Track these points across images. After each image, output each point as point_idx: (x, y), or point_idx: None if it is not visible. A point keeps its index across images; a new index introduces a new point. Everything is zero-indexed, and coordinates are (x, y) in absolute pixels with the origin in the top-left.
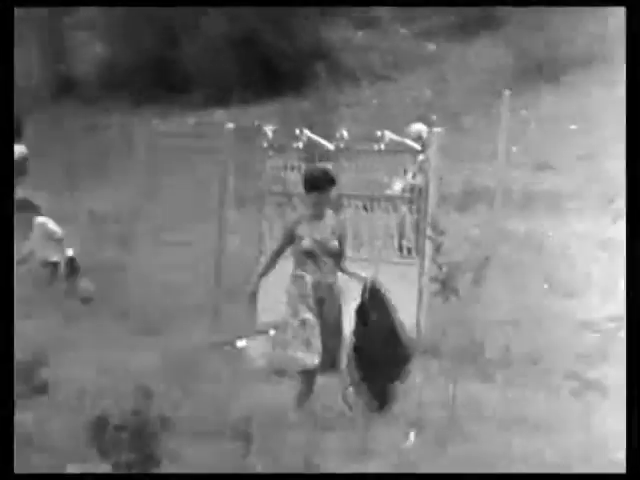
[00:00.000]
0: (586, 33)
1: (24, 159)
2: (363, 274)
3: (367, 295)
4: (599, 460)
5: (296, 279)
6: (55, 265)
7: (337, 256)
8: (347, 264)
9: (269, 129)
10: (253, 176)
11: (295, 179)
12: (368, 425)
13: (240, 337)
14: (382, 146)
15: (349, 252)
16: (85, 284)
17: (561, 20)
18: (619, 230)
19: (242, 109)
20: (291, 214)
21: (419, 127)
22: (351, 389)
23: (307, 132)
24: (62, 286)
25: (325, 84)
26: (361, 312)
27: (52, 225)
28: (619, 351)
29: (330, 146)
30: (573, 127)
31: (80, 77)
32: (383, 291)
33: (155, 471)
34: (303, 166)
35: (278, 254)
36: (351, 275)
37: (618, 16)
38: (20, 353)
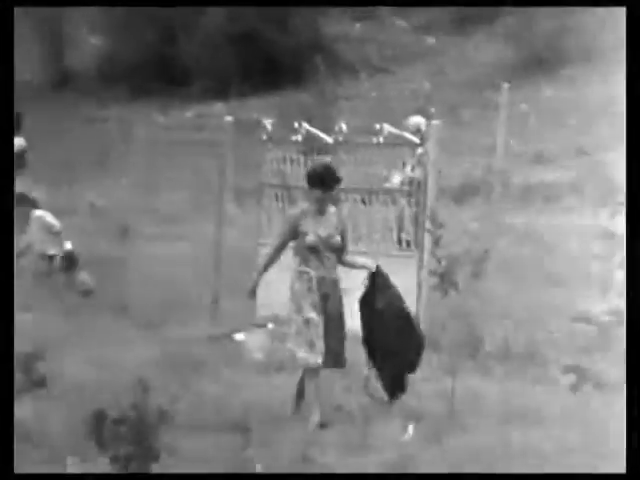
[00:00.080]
0: (585, 27)
1: (23, 151)
2: (369, 262)
3: (375, 281)
4: (597, 453)
5: (301, 275)
6: (53, 258)
7: (340, 251)
8: (349, 257)
9: (268, 122)
10: (252, 169)
11: (294, 172)
12: (367, 419)
13: (239, 330)
14: (381, 139)
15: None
16: (83, 277)
17: (559, 14)
18: (617, 224)
19: (241, 102)
20: (290, 207)
21: (417, 120)
22: (373, 379)
23: (306, 125)
24: (61, 279)
25: (324, 77)
26: (365, 301)
27: (50, 218)
28: (617, 344)
29: (329, 139)
30: (572, 121)
31: (79, 70)
32: (388, 277)
33: (154, 464)
34: (302, 159)
35: (280, 249)
36: (356, 266)
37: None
38: (19, 346)
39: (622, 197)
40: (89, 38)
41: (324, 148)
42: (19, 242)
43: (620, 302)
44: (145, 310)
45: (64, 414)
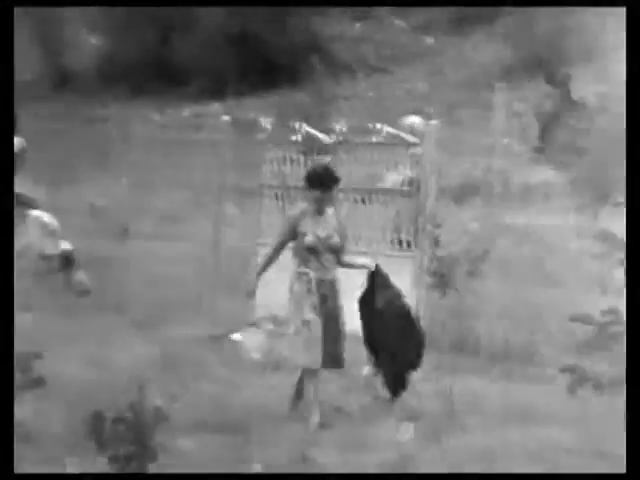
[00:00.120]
0: (582, 27)
1: (22, 151)
2: (368, 261)
3: (374, 280)
4: (595, 453)
5: (300, 277)
6: (52, 258)
7: (338, 252)
8: (348, 258)
9: (267, 122)
10: (251, 169)
11: (293, 172)
12: (366, 419)
13: (237, 330)
14: (379, 139)
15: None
16: (81, 277)
17: (557, 14)
18: (616, 224)
19: (238, 102)
20: (290, 207)
21: (414, 120)
22: (375, 379)
23: (304, 125)
24: (59, 279)
25: (321, 77)
26: (365, 300)
27: (48, 218)
28: (615, 344)
29: (327, 139)
30: (571, 121)
31: (78, 70)
32: (388, 277)
33: (151, 464)
34: (302, 159)
35: (279, 250)
36: (355, 266)
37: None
38: (17, 346)
39: (621, 197)
40: (88, 38)
41: (322, 148)
42: (17, 242)
43: (618, 302)
44: (143, 310)
45: (62, 414)
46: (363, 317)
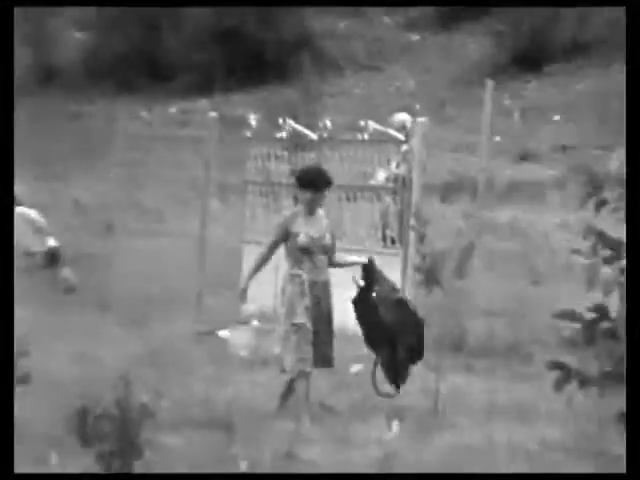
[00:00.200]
0: (570, 24)
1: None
2: (359, 258)
3: (370, 275)
4: (580, 450)
5: (293, 278)
6: (38, 255)
7: (329, 252)
8: (338, 257)
9: (253, 118)
10: (236, 165)
11: (278, 169)
12: (352, 416)
13: (223, 327)
14: (366, 136)
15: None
16: (66, 274)
17: (544, 11)
18: (602, 220)
19: (225, 98)
20: (274, 203)
21: (403, 117)
22: (378, 373)
23: (291, 122)
24: (44, 276)
25: (309, 73)
26: (360, 299)
27: (33, 215)
28: (601, 341)
29: (314, 136)
30: (556, 117)
31: (64, 66)
32: (381, 270)
33: (137, 461)
34: (287, 155)
35: (272, 250)
36: (346, 264)
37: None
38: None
39: (606, 193)
40: (74, 34)
41: (309, 145)
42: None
43: (605, 298)
44: (129, 306)
45: (47, 410)
46: (360, 316)
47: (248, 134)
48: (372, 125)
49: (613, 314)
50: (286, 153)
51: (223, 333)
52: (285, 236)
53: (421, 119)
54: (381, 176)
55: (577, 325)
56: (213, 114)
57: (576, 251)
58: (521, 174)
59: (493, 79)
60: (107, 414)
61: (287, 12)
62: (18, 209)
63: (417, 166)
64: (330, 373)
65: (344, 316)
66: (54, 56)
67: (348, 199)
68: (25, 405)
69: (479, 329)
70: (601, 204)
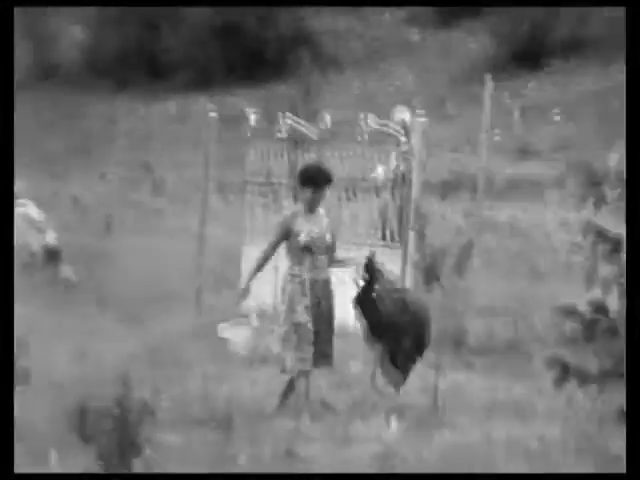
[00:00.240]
0: (569, 23)
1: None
2: (359, 255)
3: (371, 271)
4: (579, 448)
5: (293, 277)
6: (37, 252)
7: (330, 250)
8: (338, 256)
9: (252, 113)
10: (236, 163)
11: (278, 166)
12: (351, 413)
13: (222, 322)
14: (365, 132)
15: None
16: (66, 271)
17: (544, 10)
18: (600, 217)
19: (224, 95)
20: (274, 202)
21: (403, 113)
22: (379, 374)
23: (290, 119)
24: (43, 273)
25: (308, 71)
26: (362, 298)
27: (33, 211)
28: (600, 338)
29: (313, 133)
30: (556, 115)
31: (63, 63)
32: (382, 266)
33: (136, 459)
34: (286, 153)
35: (273, 249)
36: (346, 263)
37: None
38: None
39: (605, 191)
40: (73, 31)
41: (308, 142)
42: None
43: (604, 295)
44: (128, 304)
45: (47, 408)
46: (363, 312)
47: (247, 132)
48: (372, 122)
49: (612, 312)
50: (285, 151)
51: (223, 328)
52: (286, 235)
53: (421, 116)
54: (380, 173)
55: (576, 323)
56: (212, 112)
57: (575, 249)
58: (520, 172)
59: (493, 77)
60: (107, 412)
61: (286, 10)
62: (17, 207)
63: (417, 164)
64: (330, 371)
65: (344, 314)
66: (53, 53)
67: (347, 196)
68: (25, 403)
69: (478, 327)
70: (600, 202)
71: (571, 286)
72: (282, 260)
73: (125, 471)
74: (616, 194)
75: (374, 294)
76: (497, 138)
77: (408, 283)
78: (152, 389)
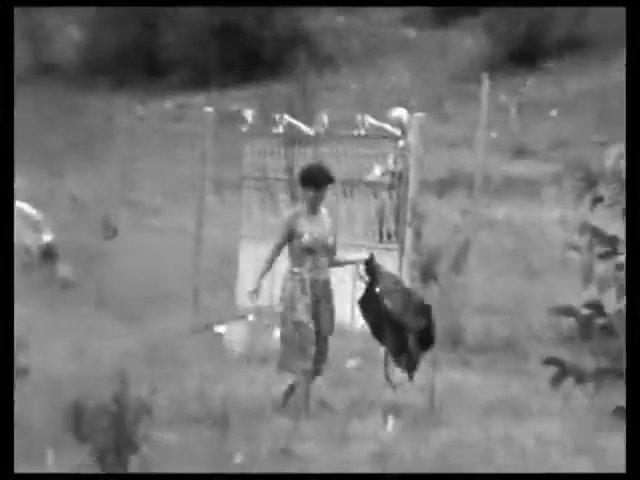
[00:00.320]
0: (566, 20)
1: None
2: (359, 256)
3: (372, 271)
4: (576, 446)
5: (294, 276)
6: (34, 250)
7: (331, 252)
8: (339, 256)
9: (248, 113)
10: (233, 161)
11: (275, 164)
12: (348, 412)
13: (220, 323)
14: (362, 131)
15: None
16: (64, 269)
17: (542, 8)
18: (597, 215)
19: (221, 93)
20: (270, 200)
21: (400, 112)
22: (393, 366)
23: (287, 117)
24: (41, 271)
25: (305, 69)
26: (366, 299)
27: (29, 210)
28: (597, 337)
29: (310, 131)
30: (553, 113)
31: (61, 61)
32: (382, 266)
33: (133, 456)
34: (283, 151)
35: (280, 249)
36: (347, 263)
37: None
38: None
39: (602, 189)
40: (70, 29)
41: (305, 140)
42: None
43: (601, 294)
44: (125, 303)
45: (44, 406)
46: (368, 313)
47: (244, 130)
48: (369, 120)
49: (609, 310)
50: (282, 149)
51: (219, 328)
52: (290, 236)
53: (418, 114)
54: (378, 172)
55: (573, 321)
56: (209, 110)
57: (572, 247)
58: (517, 170)
59: (490, 76)
60: (104, 410)
61: (283, 9)
62: (15, 205)
63: (414, 162)
64: (327, 370)
65: (343, 313)
66: (51, 51)
67: (345, 195)
68: (22, 401)
69: (475, 325)
70: (597, 200)
71: (567, 284)
72: (279, 260)
73: (122, 469)
74: (613, 192)
75: (379, 293)
76: (494, 135)
77: (405, 282)
78: (149, 387)
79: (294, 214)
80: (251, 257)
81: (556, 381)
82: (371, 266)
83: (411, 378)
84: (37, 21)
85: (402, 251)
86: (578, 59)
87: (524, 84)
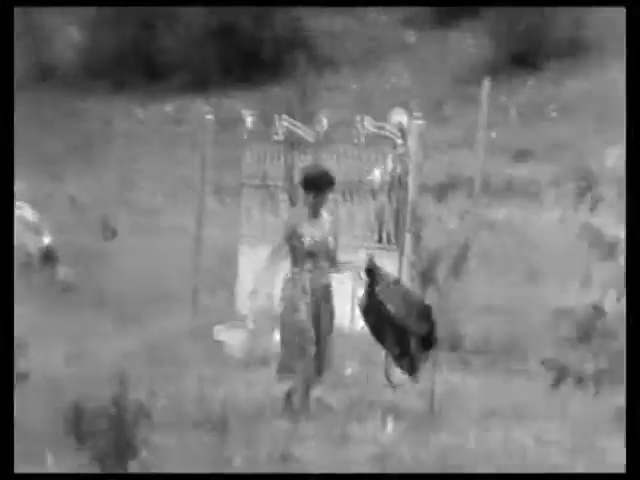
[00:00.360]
0: (566, 23)
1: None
2: (359, 259)
3: (372, 274)
4: (576, 448)
5: (294, 279)
6: (34, 253)
7: (332, 255)
8: (339, 259)
9: (248, 115)
10: (232, 164)
11: (274, 168)
12: (347, 414)
13: (218, 325)
14: (362, 135)
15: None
16: (63, 271)
17: (541, 10)
18: (597, 218)
19: (221, 97)
20: (270, 203)
21: (400, 115)
22: (393, 366)
23: (286, 121)
24: (40, 273)
25: (304, 72)
26: (367, 302)
27: (29, 212)
28: (597, 339)
29: (309, 134)
30: (553, 114)
31: (60, 64)
32: (382, 269)
33: (132, 460)
34: (282, 155)
35: (282, 250)
36: (347, 266)
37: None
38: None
39: (601, 192)
40: (70, 31)
41: (305, 144)
42: None
43: (601, 297)
44: (125, 305)
45: (44, 408)
46: (369, 316)
47: (244, 134)
48: (368, 123)
49: (608, 312)
50: (282, 153)
51: (219, 330)
52: (291, 238)
53: (418, 117)
54: (377, 175)
55: (573, 323)
56: (209, 116)
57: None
58: (517, 172)
59: (490, 77)
60: (103, 412)
61: (282, 10)
62: (15, 207)
63: (413, 166)
64: (327, 372)
65: (342, 314)
66: (50, 54)
67: (344, 198)
68: (21, 403)
69: (475, 328)
70: (596, 202)
71: (567, 287)
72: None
73: (121, 471)
74: (612, 194)
75: (379, 296)
76: (493, 136)
77: (405, 285)
78: (148, 390)
79: (295, 216)
80: (251, 258)
81: (556, 383)
82: (371, 269)
83: (415, 379)
84: (37, 24)
85: (401, 254)
86: (578, 61)
87: (524, 85)
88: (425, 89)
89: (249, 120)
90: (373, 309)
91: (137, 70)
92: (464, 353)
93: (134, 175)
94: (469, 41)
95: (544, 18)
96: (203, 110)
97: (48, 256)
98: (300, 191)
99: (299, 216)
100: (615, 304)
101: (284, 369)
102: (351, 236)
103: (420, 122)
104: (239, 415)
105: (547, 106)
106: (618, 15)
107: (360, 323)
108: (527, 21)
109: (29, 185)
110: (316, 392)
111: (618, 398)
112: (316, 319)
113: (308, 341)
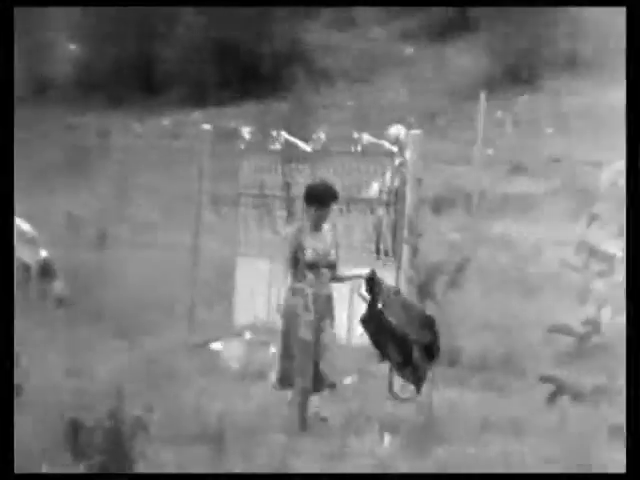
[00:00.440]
0: (562, 37)
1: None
2: (360, 271)
3: (373, 286)
4: (574, 463)
5: (296, 292)
6: (30, 267)
7: (333, 267)
8: (340, 271)
9: (246, 131)
10: (230, 177)
11: (272, 181)
12: (344, 428)
13: (216, 339)
14: (359, 148)
15: None
16: (59, 286)
17: (537, 24)
18: (593, 233)
19: (219, 110)
20: (267, 216)
21: (397, 129)
22: (397, 379)
23: (284, 134)
24: (36, 288)
25: (302, 86)
26: (368, 314)
27: (25, 226)
28: (593, 354)
29: (307, 148)
30: (549, 130)
31: (57, 78)
32: (383, 280)
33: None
34: (280, 168)
35: (292, 263)
36: (348, 278)
37: (594, 19)
38: None
39: (597, 207)
40: (67, 45)
41: (302, 157)
42: None
43: (598, 313)
44: (121, 319)
45: (40, 423)
46: (371, 329)
47: (241, 146)
48: (366, 137)
49: (605, 327)
50: (279, 166)
51: (216, 345)
52: (295, 250)
53: (415, 131)
54: (375, 188)
55: (570, 338)
56: (206, 126)
57: (568, 264)
58: (514, 187)
59: (486, 92)
60: (99, 427)
61: (281, 25)
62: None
63: (411, 179)
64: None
65: (339, 326)
66: (47, 68)
67: (342, 211)
68: (18, 417)
69: (472, 342)
70: (593, 217)
71: (564, 302)
72: (275, 275)
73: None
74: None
75: (381, 309)
76: (490, 152)
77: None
78: (145, 404)
79: (297, 229)
80: (248, 272)
81: (552, 398)
82: (372, 282)
83: (418, 391)
84: (34, 38)
85: (399, 267)
86: (574, 76)
87: (520, 100)
88: (422, 103)
89: (246, 133)
90: (375, 322)
91: (134, 84)
92: (461, 368)
93: (131, 189)
94: (466, 56)
95: (541, 34)
96: (201, 124)
97: (45, 270)
98: (302, 204)
99: (300, 228)
100: (611, 320)
101: (283, 384)
102: (350, 248)
103: (417, 132)
104: (236, 428)
105: (543, 121)
106: (615, 30)
107: (357, 333)
108: (523, 36)
109: (25, 199)
110: (313, 405)
111: (615, 413)
112: (318, 334)
113: (309, 357)
